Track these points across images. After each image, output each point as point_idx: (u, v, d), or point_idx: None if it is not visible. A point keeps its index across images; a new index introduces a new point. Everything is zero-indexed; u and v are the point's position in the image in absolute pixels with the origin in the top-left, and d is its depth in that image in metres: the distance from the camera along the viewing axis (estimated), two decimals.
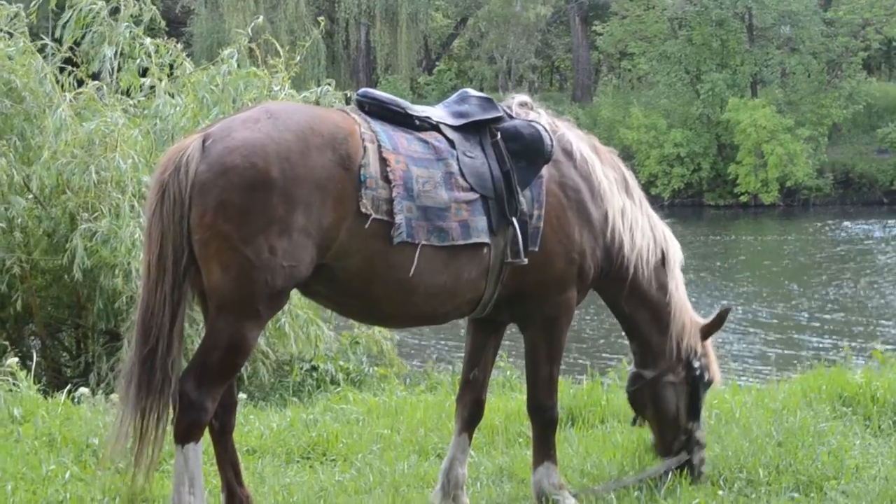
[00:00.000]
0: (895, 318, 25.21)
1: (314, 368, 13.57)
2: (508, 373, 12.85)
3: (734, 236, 44.83)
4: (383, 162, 6.82)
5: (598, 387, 10.91)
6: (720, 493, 7.69)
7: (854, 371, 10.93)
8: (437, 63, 70.38)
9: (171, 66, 14.27)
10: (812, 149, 54.77)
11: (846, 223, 47.41)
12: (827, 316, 25.48)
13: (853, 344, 14.86)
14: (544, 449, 7.70)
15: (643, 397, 8.24)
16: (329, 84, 14.47)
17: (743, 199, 55.39)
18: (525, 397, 8.00)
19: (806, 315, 25.50)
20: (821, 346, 21.25)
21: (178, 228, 6.56)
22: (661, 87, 60.38)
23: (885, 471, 7.99)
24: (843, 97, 57.24)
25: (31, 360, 11.90)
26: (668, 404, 8.17)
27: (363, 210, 6.71)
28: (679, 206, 53.95)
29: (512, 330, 8.10)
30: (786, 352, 20.36)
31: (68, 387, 11.02)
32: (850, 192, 56.51)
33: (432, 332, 21.55)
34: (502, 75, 64.77)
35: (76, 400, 10.53)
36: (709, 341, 8.34)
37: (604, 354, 19.83)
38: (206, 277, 6.59)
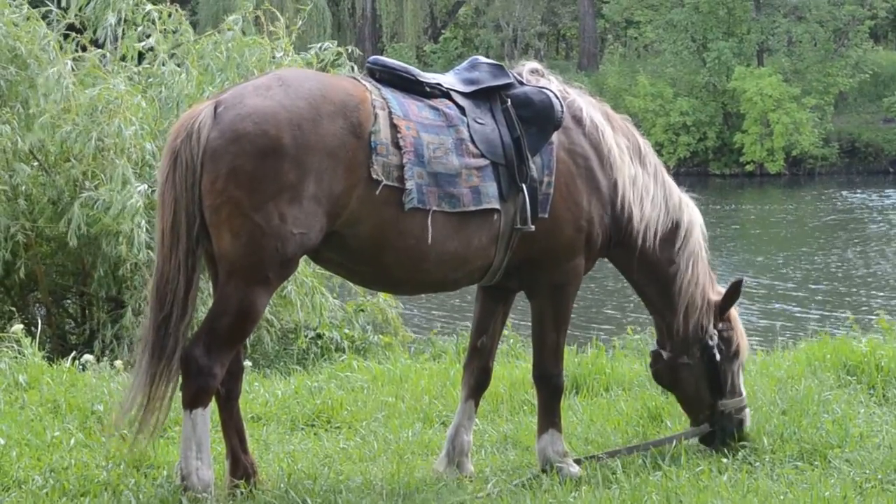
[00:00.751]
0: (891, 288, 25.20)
1: (319, 336, 13.58)
2: (512, 341, 12.86)
3: (736, 206, 44.74)
4: (394, 128, 6.85)
5: (602, 355, 10.91)
6: (724, 461, 7.70)
7: (859, 340, 10.92)
8: (442, 31, 70.19)
9: (175, 33, 14.19)
10: (818, 118, 54.70)
11: (849, 193, 47.32)
12: (827, 286, 25.49)
13: (855, 315, 14.81)
14: (549, 416, 7.70)
15: (663, 377, 8.24)
16: (331, 43, 14.40)
17: (748, 168, 55.32)
18: (530, 365, 8.01)
19: (806, 285, 25.48)
20: (821, 315, 21.25)
21: (190, 195, 6.61)
22: (667, 56, 60.30)
23: (889, 439, 7.99)
24: (850, 66, 57.15)
25: (36, 327, 11.89)
26: (687, 384, 8.12)
27: (374, 176, 6.73)
28: (685, 175, 53.77)
29: (517, 301, 8.11)
30: (787, 321, 20.36)
31: (73, 354, 11.03)
32: (856, 161, 56.42)
33: (437, 301, 21.56)
34: (508, 43, 64.61)
35: (81, 367, 10.54)
36: (735, 313, 8.26)
37: (608, 324, 19.82)
38: (216, 243, 6.64)
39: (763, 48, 59.28)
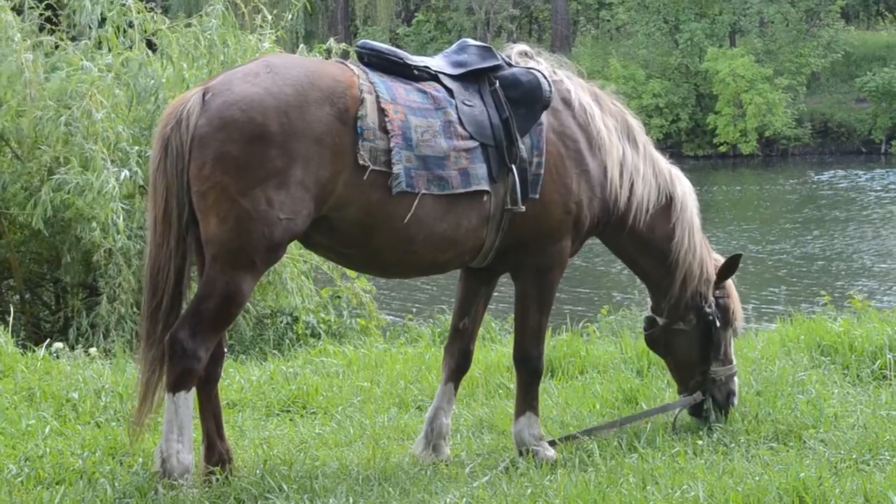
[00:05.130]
0: (867, 268, 25.29)
1: (295, 320, 13.56)
2: (493, 324, 12.88)
3: (710, 187, 44.76)
4: (381, 112, 6.87)
5: (577, 338, 10.93)
6: (699, 442, 7.71)
7: (832, 320, 10.95)
8: (415, 14, 70.10)
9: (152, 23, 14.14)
10: (791, 98, 54.84)
11: (822, 173, 47.46)
12: (801, 266, 25.57)
13: (830, 296, 14.84)
14: (527, 399, 7.71)
15: (657, 342, 8.31)
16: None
17: (722, 149, 55.42)
18: (506, 349, 8.01)
19: (780, 265, 25.58)
20: (795, 296, 21.31)
21: (179, 182, 6.67)
22: (639, 38, 60.29)
23: (864, 419, 8.01)
24: (822, 46, 57.29)
25: (10, 315, 11.84)
26: (681, 350, 8.21)
27: (361, 162, 6.76)
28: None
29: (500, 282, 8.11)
30: (761, 302, 20.42)
31: (47, 341, 11.00)
32: (829, 141, 56.56)
33: (414, 285, 21.54)
34: (481, 26, 64.53)
35: (54, 355, 10.51)
36: (731, 283, 8.34)
37: (583, 306, 19.85)
38: (203, 229, 6.68)
39: (735, 29, 59.37)
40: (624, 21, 63.61)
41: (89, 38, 13.81)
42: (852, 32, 63.95)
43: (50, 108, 12.59)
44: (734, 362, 8.34)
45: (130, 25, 13.75)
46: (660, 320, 8.23)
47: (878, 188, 41.45)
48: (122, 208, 12.13)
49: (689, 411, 8.28)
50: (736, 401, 8.23)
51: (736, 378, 8.30)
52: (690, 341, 8.19)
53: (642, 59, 58.83)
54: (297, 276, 13.60)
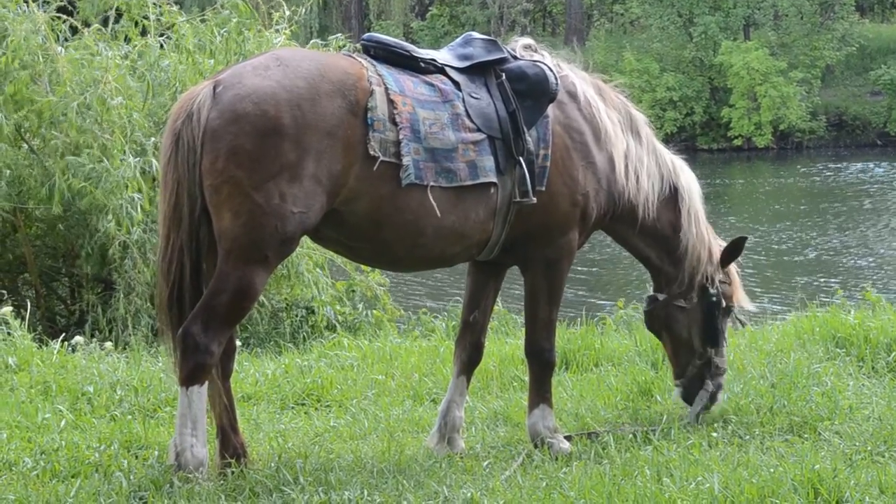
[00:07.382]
0: (881, 260, 25.23)
1: (311, 312, 13.57)
2: (513, 315, 12.87)
3: (724, 180, 44.72)
4: (391, 104, 6.89)
5: (592, 330, 10.92)
6: (714, 434, 7.71)
7: (847, 312, 10.93)
8: (429, 8, 70.07)
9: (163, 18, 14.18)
10: (805, 91, 54.73)
11: (837, 166, 47.36)
12: (816, 259, 25.52)
13: (843, 290, 14.81)
14: (541, 392, 7.72)
15: (656, 319, 8.33)
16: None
17: (736, 142, 55.32)
18: (521, 341, 8.00)
19: (795, 258, 25.53)
20: (810, 289, 21.28)
21: (191, 176, 6.67)
22: (653, 31, 60.22)
23: (879, 411, 8.00)
24: (836, 39, 57.18)
25: (26, 309, 11.87)
26: (680, 327, 8.23)
27: (371, 153, 6.78)
28: (672, 150, 53.56)
29: (509, 274, 8.11)
30: (775, 294, 20.39)
31: (63, 335, 11.02)
32: (844, 134, 56.43)
33: (427, 278, 21.55)
34: (494, 20, 64.49)
35: (71, 348, 10.53)
36: (733, 267, 8.39)
37: (598, 299, 19.83)
38: (216, 223, 6.68)
39: (749, 22, 59.26)
40: (638, 15, 63.52)
41: (104, 30, 13.84)
42: (867, 25, 63.87)
43: (67, 94, 12.59)
44: (725, 357, 8.37)
45: (146, 18, 13.77)
46: (660, 296, 8.26)
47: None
48: (146, 196, 12.13)
49: (682, 398, 8.30)
50: (721, 397, 8.27)
51: (726, 375, 8.34)
52: (690, 320, 8.23)
53: (656, 53, 58.76)
54: (313, 268, 13.62)
